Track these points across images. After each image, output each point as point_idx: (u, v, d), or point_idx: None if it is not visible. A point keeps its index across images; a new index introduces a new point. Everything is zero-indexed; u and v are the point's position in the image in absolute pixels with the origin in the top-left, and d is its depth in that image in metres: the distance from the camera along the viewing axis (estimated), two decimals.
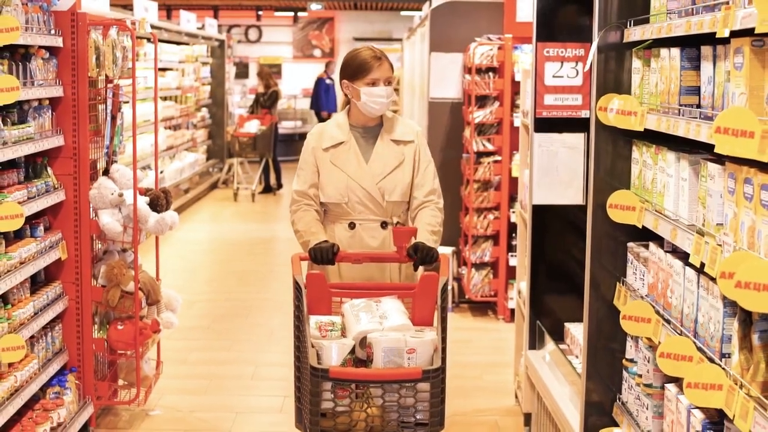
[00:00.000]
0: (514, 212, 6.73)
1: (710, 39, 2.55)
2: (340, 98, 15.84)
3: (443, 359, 3.13)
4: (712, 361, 2.48)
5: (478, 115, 6.93)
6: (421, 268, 3.63)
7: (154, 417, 4.95)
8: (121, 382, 4.94)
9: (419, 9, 14.20)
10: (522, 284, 4.99)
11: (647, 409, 3.08)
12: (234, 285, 8.20)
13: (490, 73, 6.94)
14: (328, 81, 17.34)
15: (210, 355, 6.12)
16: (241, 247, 9.95)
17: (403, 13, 19.93)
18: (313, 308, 3.39)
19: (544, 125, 4.56)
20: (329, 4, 19.85)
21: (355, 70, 3.79)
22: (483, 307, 7.18)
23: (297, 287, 3.29)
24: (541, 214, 4.70)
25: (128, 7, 11.83)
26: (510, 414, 5.02)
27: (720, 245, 2.42)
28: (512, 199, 6.83)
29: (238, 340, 6.45)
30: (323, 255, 3.55)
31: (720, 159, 2.52)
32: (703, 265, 2.50)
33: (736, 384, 2.31)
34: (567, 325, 4.42)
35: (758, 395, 2.21)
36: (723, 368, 2.40)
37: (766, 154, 2.07)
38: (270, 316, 7.03)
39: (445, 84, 7.43)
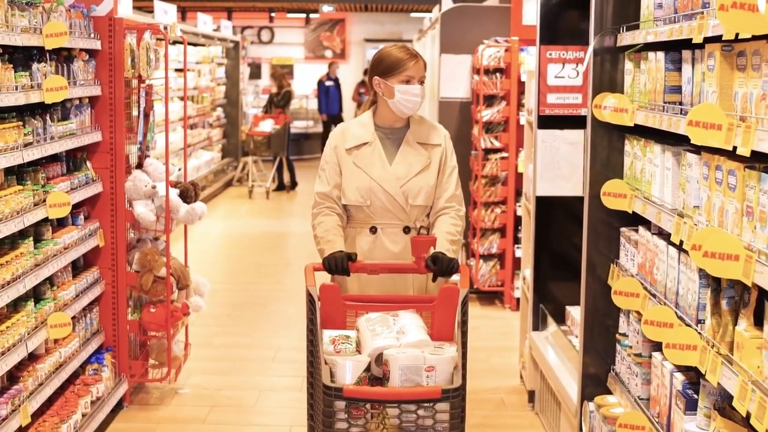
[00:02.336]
0: (520, 206, 7.07)
1: (690, 44, 2.88)
2: (347, 99, 15.87)
3: (463, 376, 3.00)
4: (689, 326, 2.82)
5: (486, 114, 7.28)
6: (440, 280, 3.51)
7: (183, 394, 5.31)
8: (152, 361, 5.30)
9: (429, 11, 14.55)
10: (527, 271, 5.33)
11: (637, 376, 3.42)
12: (252, 276, 8.58)
13: (498, 74, 7.28)
14: (327, 83, 17.50)
15: (232, 340, 6.49)
16: (257, 241, 10.31)
17: (413, 14, 20.28)
18: (326, 322, 3.23)
19: (547, 122, 4.92)
20: (340, 6, 20.21)
21: (389, 66, 3.63)
22: (491, 297, 7.52)
23: (310, 299, 3.16)
24: (545, 205, 5.05)
25: (144, 8, 12.21)
26: (515, 392, 5.36)
27: (696, 225, 2.76)
28: (518, 193, 7.17)
29: (257, 327, 6.82)
30: (337, 265, 3.40)
31: (698, 150, 2.86)
32: (682, 242, 2.85)
33: (709, 344, 2.66)
34: (568, 308, 4.76)
35: (726, 353, 2.56)
36: (698, 332, 2.74)
37: (731, 144, 2.41)
38: (286, 305, 7.39)
39: (455, 84, 7.78)
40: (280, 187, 14.12)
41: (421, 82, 3.65)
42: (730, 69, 2.58)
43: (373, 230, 3.66)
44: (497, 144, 7.30)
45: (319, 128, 18.39)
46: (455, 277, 3.50)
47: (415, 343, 3.05)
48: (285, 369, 5.81)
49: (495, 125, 7.34)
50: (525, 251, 5.59)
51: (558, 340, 4.78)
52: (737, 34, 2.33)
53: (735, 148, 2.39)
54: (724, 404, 2.74)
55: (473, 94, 7.63)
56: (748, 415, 2.32)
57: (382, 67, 3.64)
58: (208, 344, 6.28)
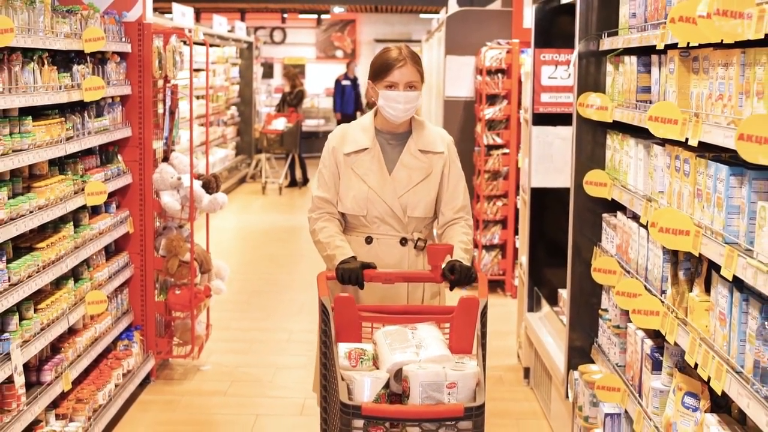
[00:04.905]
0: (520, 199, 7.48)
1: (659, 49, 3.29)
2: (362, 99, 16.10)
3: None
4: (654, 295, 3.23)
5: (489, 112, 7.70)
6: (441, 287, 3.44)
7: (205, 371, 5.74)
8: (176, 340, 5.73)
9: (437, 12, 14.97)
10: (523, 258, 5.75)
11: (615, 346, 3.83)
12: (266, 266, 9.02)
13: (500, 74, 7.71)
14: (344, 82, 17.65)
15: (249, 324, 6.93)
16: (270, 234, 10.76)
17: (422, 15, 20.68)
18: (341, 334, 3.11)
19: (541, 119, 5.35)
20: (351, 7, 20.64)
21: (376, 70, 3.53)
22: (493, 285, 7.93)
23: (324, 310, 3.04)
24: (539, 196, 5.47)
25: (159, 9, 12.63)
26: (512, 370, 5.78)
27: (659, 207, 3.17)
28: (519, 187, 7.57)
29: (272, 312, 7.26)
30: (351, 277, 3.28)
31: (663, 142, 3.27)
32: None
33: (669, 310, 3.07)
34: (560, 291, 5.16)
35: (683, 317, 2.97)
36: (661, 300, 3.15)
37: (684, 136, 2.82)
38: (299, 292, 7.82)
39: (459, 84, 8.20)
40: (293, 183, 14.57)
41: (410, 88, 3.47)
42: (687, 72, 2.98)
43: (369, 240, 3.53)
44: (499, 141, 7.71)
45: (331, 126, 18.78)
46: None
47: (435, 358, 2.93)
48: (299, 349, 6.24)
49: (497, 123, 7.76)
50: (521, 239, 6.00)
51: (550, 320, 5.19)
52: (687, 42, 2.74)
53: (687, 139, 2.81)
54: (684, 363, 3.14)
55: (476, 94, 8.05)
56: (696, 366, 2.73)
57: (372, 71, 3.56)
58: (227, 327, 6.71)
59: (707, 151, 2.86)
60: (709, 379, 2.62)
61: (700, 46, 2.76)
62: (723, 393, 2.56)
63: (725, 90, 2.59)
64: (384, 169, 3.53)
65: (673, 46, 3.04)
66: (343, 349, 2.99)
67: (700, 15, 2.41)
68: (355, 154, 3.54)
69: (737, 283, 2.53)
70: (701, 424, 2.78)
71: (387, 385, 2.90)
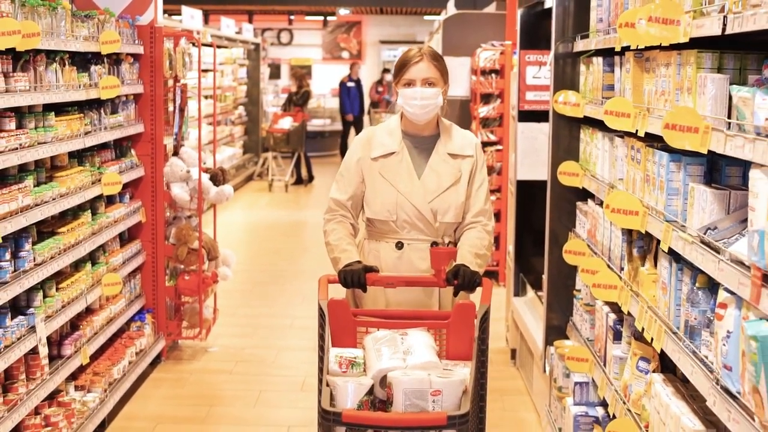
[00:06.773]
0: None
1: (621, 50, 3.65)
2: (365, 99, 16.34)
3: (482, 397, 2.86)
4: (614, 272, 3.59)
5: (483, 111, 8.07)
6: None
7: (212, 352, 6.12)
8: (185, 324, 6.11)
9: (440, 13, 15.34)
10: (510, 246, 6.11)
11: (586, 322, 4.19)
12: (271, 259, 9.40)
13: (493, 75, 8.07)
14: (349, 84, 17.69)
15: (254, 311, 7.31)
16: (276, 229, 11.14)
17: (425, 17, 21.06)
18: (336, 339, 3.09)
19: (527, 116, 5.71)
20: (357, 9, 21.02)
21: (396, 69, 3.50)
22: (487, 276, 8.27)
23: (321, 314, 3.02)
24: (525, 188, 5.83)
25: (168, 11, 13.04)
26: (500, 353, 6.13)
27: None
28: None
29: (277, 300, 7.63)
30: (353, 279, 3.24)
31: (623, 135, 3.63)
32: None
33: (626, 285, 3.43)
34: (544, 276, 5.51)
35: (637, 290, 3.33)
36: (618, 275, 3.52)
37: (635, 128, 3.19)
38: (302, 283, 8.18)
39: (456, 84, 8.55)
40: (298, 181, 14.94)
41: (428, 85, 3.43)
42: (641, 71, 3.35)
43: (400, 245, 3.49)
44: (493, 138, 8.08)
45: (336, 126, 19.06)
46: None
47: (422, 364, 2.90)
48: (301, 333, 6.61)
49: (491, 121, 8.13)
50: (509, 228, 6.36)
51: (534, 304, 5.56)
52: (637, 45, 3.10)
53: (637, 131, 3.17)
54: (640, 333, 3.50)
55: (471, 93, 8.41)
56: (643, 330, 3.09)
57: (394, 71, 3.54)
58: (233, 314, 7.09)
59: (659, 142, 3.22)
60: (652, 339, 2.98)
61: (649, 48, 3.12)
62: (670, 358, 2.92)
63: (666, 86, 2.96)
64: (413, 173, 3.48)
65: (629, 48, 3.41)
66: (333, 354, 2.98)
67: (639, 21, 2.77)
68: (383, 158, 3.49)
69: (675, 256, 2.90)
70: (650, 384, 3.15)
71: (371, 392, 2.88)
